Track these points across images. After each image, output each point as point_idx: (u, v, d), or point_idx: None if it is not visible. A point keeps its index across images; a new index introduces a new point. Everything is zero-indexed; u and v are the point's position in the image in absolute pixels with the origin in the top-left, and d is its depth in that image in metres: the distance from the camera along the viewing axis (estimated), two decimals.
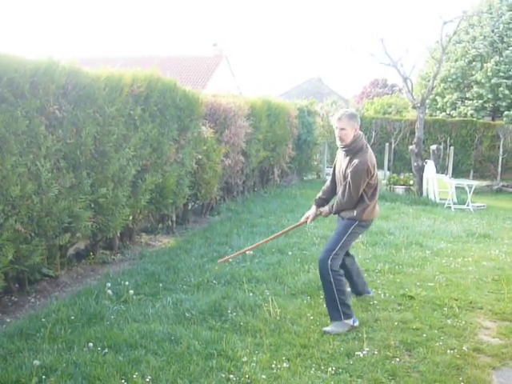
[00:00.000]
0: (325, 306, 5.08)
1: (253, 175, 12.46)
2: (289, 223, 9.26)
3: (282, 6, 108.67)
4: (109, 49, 61.85)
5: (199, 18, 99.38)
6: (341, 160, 4.98)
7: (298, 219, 9.56)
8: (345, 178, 4.84)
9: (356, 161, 4.73)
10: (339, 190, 4.97)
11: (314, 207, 5.23)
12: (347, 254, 5.13)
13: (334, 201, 5.08)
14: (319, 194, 5.28)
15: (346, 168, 4.82)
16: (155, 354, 3.94)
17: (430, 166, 13.85)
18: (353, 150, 4.81)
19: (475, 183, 13.96)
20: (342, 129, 4.79)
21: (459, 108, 27.65)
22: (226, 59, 35.14)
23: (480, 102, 26.58)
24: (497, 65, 25.37)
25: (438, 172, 14.29)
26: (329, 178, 5.30)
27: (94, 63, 6.17)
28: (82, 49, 60.79)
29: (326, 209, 5.15)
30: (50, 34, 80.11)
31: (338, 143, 4.91)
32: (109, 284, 5.35)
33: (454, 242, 8.54)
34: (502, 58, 25.31)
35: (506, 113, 22.04)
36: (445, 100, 28.37)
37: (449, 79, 27.59)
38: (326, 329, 4.59)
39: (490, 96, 26.04)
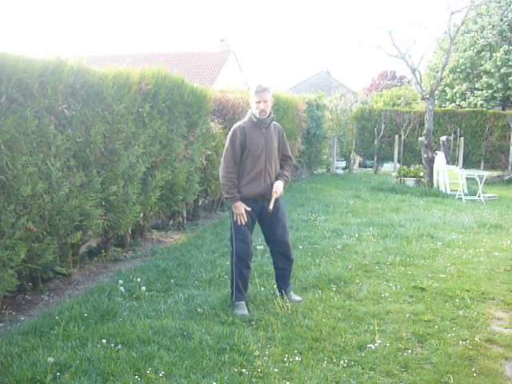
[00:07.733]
0: (336, 299, 5.10)
1: None
2: (299, 217, 9.30)
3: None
4: (116, 47, 61.96)
5: (206, 14, 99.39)
6: (255, 135, 4.73)
7: (308, 213, 9.65)
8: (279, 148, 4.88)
9: (280, 128, 4.88)
10: (275, 163, 4.82)
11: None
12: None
13: (282, 173, 4.92)
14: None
15: (278, 138, 4.86)
16: (168, 350, 3.96)
17: (440, 158, 13.78)
18: (271, 120, 4.80)
19: (486, 174, 13.87)
20: (266, 100, 4.70)
21: (469, 98, 27.51)
22: (233, 54, 35.10)
23: (490, 91, 26.43)
24: (506, 54, 25.20)
25: (448, 163, 14.21)
26: (233, 162, 4.71)
27: (101, 61, 6.18)
28: (90, 47, 60.84)
29: (279, 183, 4.84)
30: (57, 33, 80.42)
31: (261, 115, 4.71)
32: (121, 281, 5.40)
33: (465, 233, 8.51)
34: (511, 47, 25.12)
35: None
36: (454, 91, 28.24)
37: (458, 70, 27.46)
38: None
39: (499, 86, 25.88)
